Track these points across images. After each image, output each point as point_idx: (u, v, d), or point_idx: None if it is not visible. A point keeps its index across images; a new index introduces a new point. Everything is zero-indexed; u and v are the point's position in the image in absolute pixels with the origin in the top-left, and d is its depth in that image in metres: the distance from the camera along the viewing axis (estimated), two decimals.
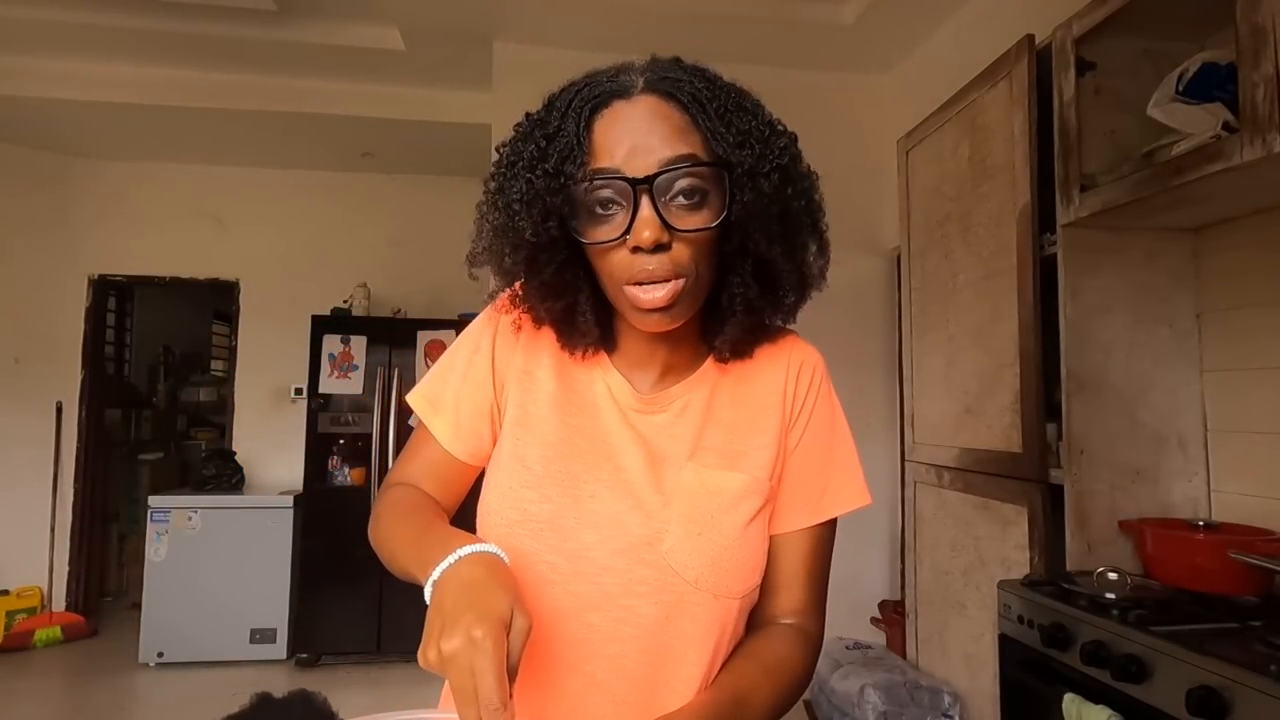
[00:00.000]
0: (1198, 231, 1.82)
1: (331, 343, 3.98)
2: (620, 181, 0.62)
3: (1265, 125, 1.27)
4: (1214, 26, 1.69)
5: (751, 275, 0.69)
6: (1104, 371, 1.77)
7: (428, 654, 0.52)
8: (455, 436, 0.78)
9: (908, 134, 2.57)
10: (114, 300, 4.99)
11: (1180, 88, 1.56)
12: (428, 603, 0.56)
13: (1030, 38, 1.93)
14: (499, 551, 0.59)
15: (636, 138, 0.61)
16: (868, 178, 3.37)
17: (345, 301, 4.23)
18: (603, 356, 0.77)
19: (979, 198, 2.12)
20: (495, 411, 0.78)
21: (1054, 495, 1.80)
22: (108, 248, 4.47)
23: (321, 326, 4.00)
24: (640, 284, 0.64)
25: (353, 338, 4.00)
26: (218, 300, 5.41)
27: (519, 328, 0.77)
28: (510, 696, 0.51)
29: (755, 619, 0.78)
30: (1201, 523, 1.65)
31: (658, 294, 0.64)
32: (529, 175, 0.65)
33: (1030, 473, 1.86)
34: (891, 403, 3.27)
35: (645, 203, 0.61)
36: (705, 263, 0.66)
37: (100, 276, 4.49)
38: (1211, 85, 1.52)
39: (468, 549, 0.58)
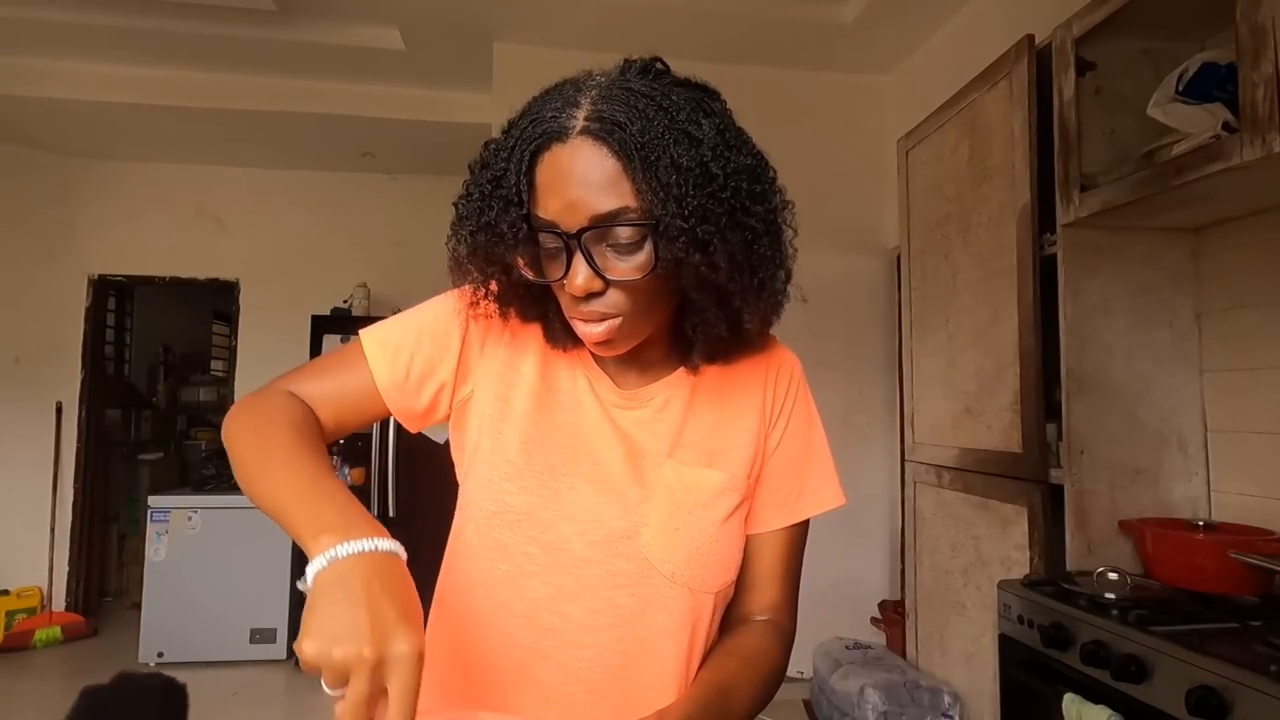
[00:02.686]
0: (1198, 232, 1.81)
1: (331, 343, 3.98)
2: (555, 234, 0.64)
3: (1265, 125, 1.27)
4: (1214, 26, 1.69)
5: (713, 307, 0.69)
6: (1104, 371, 1.77)
7: (333, 653, 0.48)
8: (395, 385, 0.76)
9: (908, 134, 2.57)
10: (114, 300, 4.99)
11: (1180, 88, 1.56)
12: (311, 576, 0.52)
13: (1030, 38, 1.93)
14: (401, 551, 0.57)
15: (571, 190, 0.62)
16: (868, 178, 3.37)
17: (345, 301, 4.23)
18: (586, 352, 0.78)
19: (979, 198, 2.12)
20: (449, 387, 0.77)
21: (1054, 495, 1.80)
22: (108, 248, 4.47)
23: (321, 326, 4.00)
24: (582, 320, 0.67)
25: (353, 338, 3.99)
26: (218, 300, 5.41)
27: (506, 318, 0.77)
28: None
29: (731, 616, 0.80)
30: (1201, 523, 1.65)
31: (595, 330, 0.67)
32: (472, 228, 0.67)
33: (1030, 473, 1.86)
34: (891, 403, 3.27)
35: (578, 255, 0.63)
36: (646, 300, 0.67)
37: (100, 276, 4.49)
38: (1211, 85, 1.52)
39: (385, 544, 0.55)
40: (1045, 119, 1.86)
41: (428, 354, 0.76)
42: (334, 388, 0.76)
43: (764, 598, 0.79)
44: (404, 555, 0.56)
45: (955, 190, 2.26)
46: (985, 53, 2.10)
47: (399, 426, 3.61)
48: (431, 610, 0.79)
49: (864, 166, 3.39)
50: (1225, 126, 1.44)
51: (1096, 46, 1.76)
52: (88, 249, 4.45)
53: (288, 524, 0.58)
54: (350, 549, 0.53)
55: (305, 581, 0.53)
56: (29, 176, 4.32)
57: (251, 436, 0.68)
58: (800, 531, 0.81)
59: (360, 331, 0.78)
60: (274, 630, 3.81)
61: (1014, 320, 1.94)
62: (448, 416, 0.80)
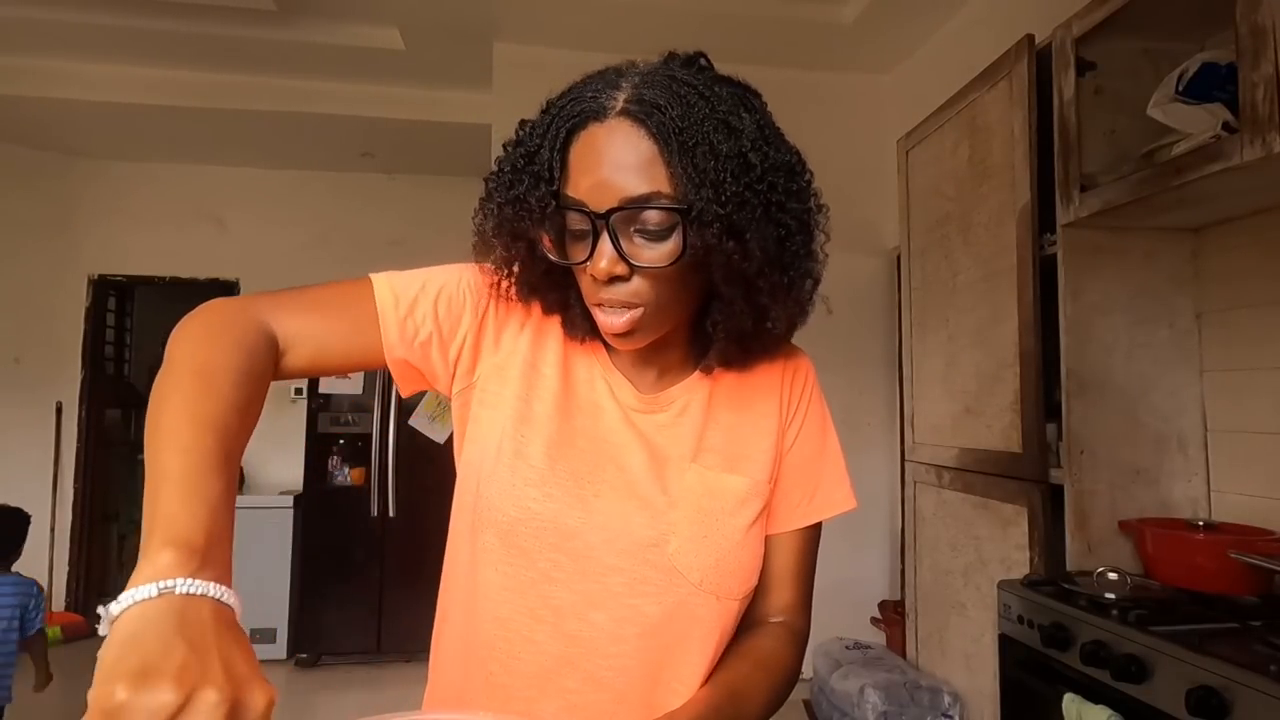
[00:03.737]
0: (1198, 232, 1.81)
1: None
2: (582, 214, 0.63)
3: (1265, 125, 1.27)
4: (1214, 26, 1.69)
5: (740, 301, 0.67)
6: (1104, 371, 1.77)
7: (165, 686, 0.37)
8: (402, 344, 0.71)
9: (908, 134, 2.57)
10: (114, 300, 4.98)
11: (1180, 88, 1.56)
12: (129, 602, 0.41)
13: (1030, 38, 1.93)
14: (239, 610, 0.46)
15: (603, 170, 0.61)
16: (868, 178, 3.37)
17: None
18: (604, 355, 0.77)
19: (979, 198, 2.12)
20: (451, 362, 0.74)
21: (1054, 495, 1.80)
22: (108, 248, 4.47)
23: None
24: (602, 307, 0.66)
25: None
26: None
27: (527, 307, 0.75)
28: None
29: (745, 618, 0.79)
30: (1201, 523, 1.65)
31: (616, 319, 0.66)
32: (500, 201, 0.66)
33: (1030, 473, 1.86)
34: (891, 403, 3.27)
35: (604, 236, 0.62)
36: (670, 292, 0.65)
37: (100, 276, 4.49)
38: (1211, 85, 1.52)
39: (232, 598, 0.44)
40: (1045, 119, 1.86)
41: (441, 321, 0.72)
42: (329, 330, 0.69)
43: (778, 599, 0.79)
44: (230, 600, 0.45)
45: (955, 190, 2.26)
46: (985, 53, 2.10)
47: (399, 425, 3.58)
48: (438, 613, 0.78)
49: (864, 166, 3.39)
50: (1225, 126, 1.44)
51: (1096, 46, 1.76)
52: (88, 249, 4.45)
53: (148, 505, 0.49)
54: (194, 587, 0.43)
55: (114, 608, 0.41)
56: (29, 176, 4.32)
57: (185, 375, 0.60)
58: (814, 533, 0.81)
59: (372, 276, 0.73)
60: (274, 630, 3.81)
61: (1014, 320, 1.94)
62: (446, 391, 0.76)
